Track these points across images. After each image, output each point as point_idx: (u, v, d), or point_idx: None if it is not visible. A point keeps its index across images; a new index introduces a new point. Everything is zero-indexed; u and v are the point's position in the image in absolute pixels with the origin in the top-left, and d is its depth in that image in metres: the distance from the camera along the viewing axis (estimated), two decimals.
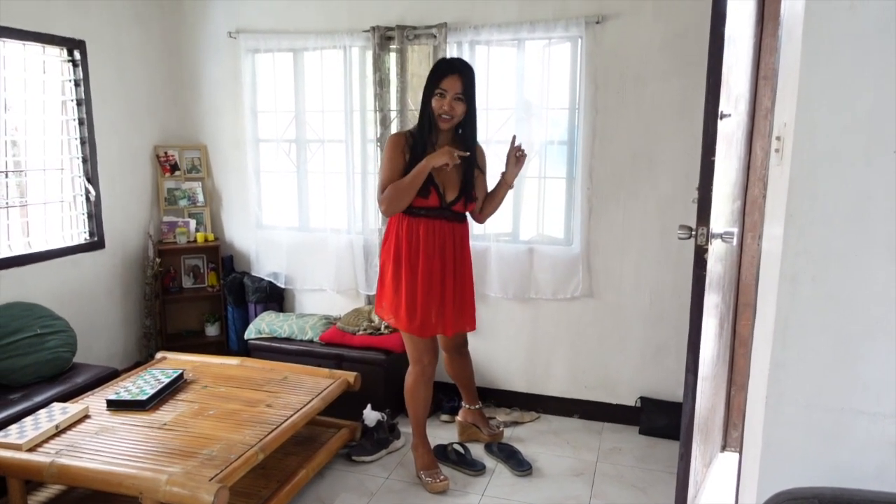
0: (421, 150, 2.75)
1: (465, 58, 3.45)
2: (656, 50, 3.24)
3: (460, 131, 2.83)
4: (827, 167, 1.32)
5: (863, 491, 1.31)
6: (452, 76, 2.69)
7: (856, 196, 1.31)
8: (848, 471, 1.40)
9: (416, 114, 3.56)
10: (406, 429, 3.29)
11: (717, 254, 2.27)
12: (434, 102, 2.71)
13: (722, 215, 2.29)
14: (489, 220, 3.19)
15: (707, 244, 2.03)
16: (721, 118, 2.03)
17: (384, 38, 3.59)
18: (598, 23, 3.26)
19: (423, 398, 2.98)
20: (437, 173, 2.76)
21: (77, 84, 3.63)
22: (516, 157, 2.88)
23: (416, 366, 2.95)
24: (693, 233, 2.06)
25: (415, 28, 3.55)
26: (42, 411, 2.68)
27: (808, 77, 1.31)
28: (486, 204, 3.00)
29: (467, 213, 2.95)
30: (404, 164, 2.77)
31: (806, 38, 1.30)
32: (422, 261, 2.80)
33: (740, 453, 2.01)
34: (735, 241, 2.33)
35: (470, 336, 3.26)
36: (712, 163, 2.00)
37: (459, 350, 3.20)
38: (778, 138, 1.51)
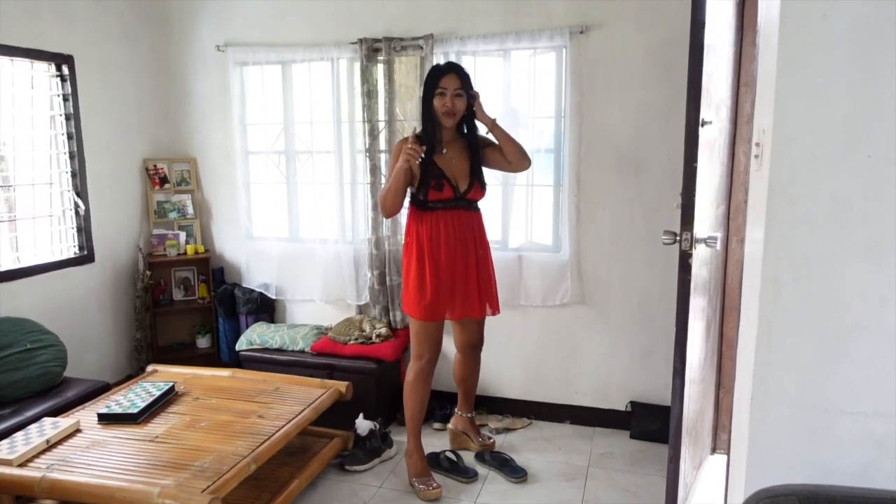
0: (429, 150, 2.84)
1: None
2: (639, 58, 3.28)
3: (465, 130, 2.96)
4: (805, 171, 1.35)
5: (839, 487, 1.33)
6: (449, 74, 2.83)
7: (833, 199, 1.34)
8: (833, 469, 1.41)
9: (405, 124, 3.63)
10: (398, 437, 3.29)
11: (702, 258, 2.30)
12: (436, 102, 2.83)
13: (706, 220, 2.32)
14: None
15: (691, 249, 2.06)
16: (702, 125, 2.06)
17: (371, 49, 3.62)
18: (581, 33, 3.30)
19: (420, 395, 3.00)
20: (445, 167, 2.86)
21: (65, 99, 3.64)
22: (471, 102, 2.91)
23: (417, 361, 2.98)
24: (677, 238, 2.08)
25: (402, 39, 3.58)
26: (33, 426, 2.67)
27: (785, 83, 1.34)
28: (504, 152, 2.96)
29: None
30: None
31: (781, 45, 1.33)
32: (444, 252, 2.87)
33: (728, 455, 2.04)
34: (719, 246, 2.36)
35: None
36: (694, 169, 2.03)
37: (473, 351, 3.22)
38: (757, 144, 1.54)
